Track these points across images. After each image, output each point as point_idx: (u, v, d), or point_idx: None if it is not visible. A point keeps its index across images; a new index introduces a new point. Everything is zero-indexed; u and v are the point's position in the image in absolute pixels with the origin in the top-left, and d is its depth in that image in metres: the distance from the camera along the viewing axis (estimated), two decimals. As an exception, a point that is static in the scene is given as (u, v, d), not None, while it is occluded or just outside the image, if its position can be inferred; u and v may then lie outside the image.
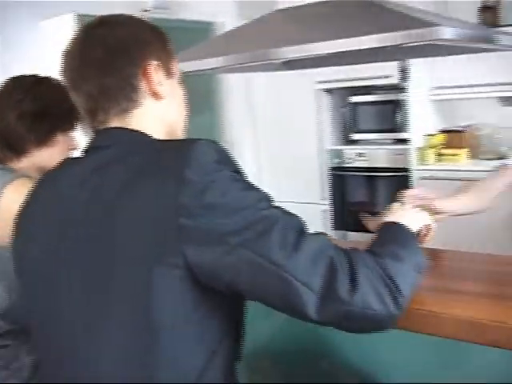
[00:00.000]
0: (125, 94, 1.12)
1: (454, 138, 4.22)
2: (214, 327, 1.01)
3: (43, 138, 1.71)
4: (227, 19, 4.57)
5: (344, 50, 1.86)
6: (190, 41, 4.39)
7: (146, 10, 4.23)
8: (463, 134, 4.23)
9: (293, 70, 2.81)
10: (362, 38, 1.74)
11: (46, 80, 1.75)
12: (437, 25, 1.63)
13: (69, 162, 1.19)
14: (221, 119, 4.75)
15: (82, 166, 1.10)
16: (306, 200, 4.52)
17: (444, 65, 3.98)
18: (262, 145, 4.82)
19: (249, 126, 4.84)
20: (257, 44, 2.18)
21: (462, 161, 4.05)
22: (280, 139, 4.62)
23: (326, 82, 4.30)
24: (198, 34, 4.57)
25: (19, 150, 1.70)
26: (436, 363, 1.48)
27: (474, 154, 4.19)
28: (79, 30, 1.16)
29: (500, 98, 4.18)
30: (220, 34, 2.42)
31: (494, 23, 3.90)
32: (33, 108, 1.68)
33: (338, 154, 4.49)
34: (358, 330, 1.02)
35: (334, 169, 4.50)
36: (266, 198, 1.02)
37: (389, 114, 4.24)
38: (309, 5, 2.17)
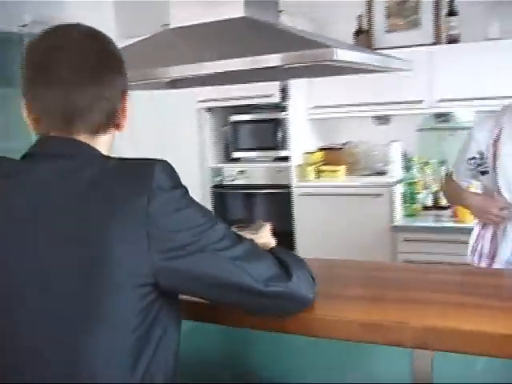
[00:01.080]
0: (107, 113, 1.19)
1: (332, 155, 4.34)
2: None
3: None
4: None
5: (229, 69, 1.89)
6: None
7: (24, 25, 4.08)
8: (341, 151, 4.37)
9: (178, 88, 2.80)
10: (250, 58, 1.77)
11: None
12: (330, 46, 1.69)
13: (13, 165, 1.18)
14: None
15: (39, 171, 1.13)
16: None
17: (321, 85, 4.10)
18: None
19: (128, 144, 4.74)
20: (143, 62, 2.16)
21: (340, 177, 4.17)
22: (161, 157, 4.54)
23: (206, 101, 4.30)
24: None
25: None
26: (339, 365, 1.58)
27: (352, 171, 4.33)
28: (55, 32, 1.21)
29: (374, 117, 4.35)
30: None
31: (368, 46, 4.07)
32: None
33: (219, 172, 4.51)
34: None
35: (215, 187, 4.51)
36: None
37: (269, 132, 4.30)
38: (200, 25, 2.17)
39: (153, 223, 1.06)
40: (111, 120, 1.22)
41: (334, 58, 1.66)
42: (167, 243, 1.08)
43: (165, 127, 4.51)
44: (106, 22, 4.49)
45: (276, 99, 4.08)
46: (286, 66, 1.92)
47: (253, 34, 2.03)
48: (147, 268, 1.07)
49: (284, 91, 4.07)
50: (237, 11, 2.07)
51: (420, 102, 3.91)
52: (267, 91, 4.03)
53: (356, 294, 1.53)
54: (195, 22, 2.18)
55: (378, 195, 3.88)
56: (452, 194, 2.78)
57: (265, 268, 1.20)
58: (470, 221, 3.67)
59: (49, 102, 1.15)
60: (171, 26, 2.32)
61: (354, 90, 4.00)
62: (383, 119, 4.36)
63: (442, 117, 4.17)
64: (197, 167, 4.48)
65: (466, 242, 3.56)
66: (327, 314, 1.36)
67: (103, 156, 1.19)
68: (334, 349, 1.54)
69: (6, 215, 1.13)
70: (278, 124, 4.26)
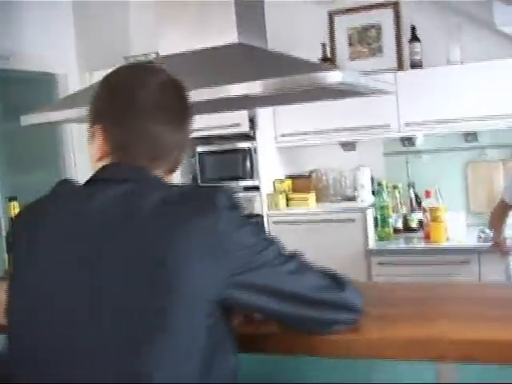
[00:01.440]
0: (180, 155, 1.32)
1: (301, 182, 4.35)
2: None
3: None
4: (69, 71, 4.44)
5: (233, 94, 1.90)
6: (32, 92, 4.23)
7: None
8: (310, 178, 4.39)
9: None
10: (235, 85, 1.77)
11: None
12: (323, 70, 1.70)
13: (78, 189, 1.25)
14: (64, 173, 4.53)
15: (105, 195, 1.18)
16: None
17: (287, 113, 4.12)
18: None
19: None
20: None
21: (311, 204, 4.17)
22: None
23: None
24: (40, 85, 4.38)
25: None
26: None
27: (321, 197, 4.35)
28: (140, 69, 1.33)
29: (341, 143, 4.38)
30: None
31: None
32: None
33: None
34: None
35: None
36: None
37: (237, 162, 4.28)
38: (190, 52, 2.14)
39: (218, 241, 1.12)
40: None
41: (341, 80, 1.68)
42: (232, 261, 1.13)
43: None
44: (66, 55, 4.46)
45: (245, 128, 4.08)
46: (286, 91, 1.93)
47: (251, 59, 2.03)
48: (214, 285, 1.12)
49: (252, 121, 4.07)
50: (230, 37, 2.06)
51: (388, 126, 3.97)
52: (235, 121, 4.03)
53: (385, 313, 1.50)
54: (185, 50, 2.15)
55: (351, 220, 3.89)
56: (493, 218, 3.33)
57: (318, 279, 1.27)
58: (442, 241, 3.72)
59: (133, 135, 1.25)
60: (160, 55, 2.28)
61: (319, 117, 4.03)
62: (350, 145, 4.40)
63: (407, 140, 4.23)
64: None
65: (439, 263, 3.62)
66: (371, 334, 1.36)
67: (167, 183, 1.26)
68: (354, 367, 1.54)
69: (70, 236, 1.17)
70: (245, 153, 4.25)
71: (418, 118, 3.90)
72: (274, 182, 4.27)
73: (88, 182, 1.25)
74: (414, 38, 4.04)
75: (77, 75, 4.46)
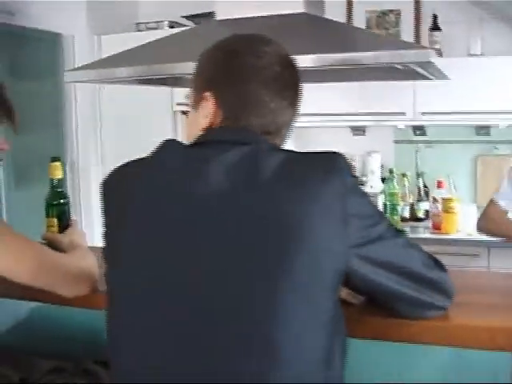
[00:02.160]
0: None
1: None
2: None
3: None
4: (76, 32, 4.29)
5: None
6: (36, 51, 4.07)
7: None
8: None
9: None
10: (344, 54, 1.69)
11: None
12: (425, 47, 1.65)
13: (190, 151, 1.20)
14: (64, 137, 4.39)
15: (225, 156, 1.12)
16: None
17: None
18: (109, 164, 4.50)
19: (95, 144, 4.51)
20: (173, 56, 2.05)
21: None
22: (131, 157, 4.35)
23: (183, 104, 4.16)
24: (45, 44, 4.24)
25: None
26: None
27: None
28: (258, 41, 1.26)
29: (351, 127, 4.34)
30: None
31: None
32: None
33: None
34: None
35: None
36: None
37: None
38: (252, 18, 2.05)
39: (346, 207, 1.08)
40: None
41: (429, 59, 1.63)
42: (358, 228, 1.10)
43: (136, 128, 4.34)
44: (75, 16, 4.30)
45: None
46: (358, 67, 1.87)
47: (320, 30, 1.95)
48: (340, 252, 1.08)
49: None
50: (295, 6, 1.98)
51: (403, 113, 3.93)
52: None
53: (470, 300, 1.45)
54: (246, 15, 2.06)
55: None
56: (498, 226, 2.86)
57: (425, 256, 1.23)
58: (454, 232, 3.72)
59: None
60: (217, 18, 2.18)
61: (330, 98, 3.97)
62: (360, 130, 4.36)
63: (419, 129, 4.21)
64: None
65: (449, 254, 3.62)
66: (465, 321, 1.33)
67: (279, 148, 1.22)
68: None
69: (186, 199, 1.11)
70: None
71: (434, 108, 3.87)
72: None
73: (196, 144, 1.21)
74: (436, 26, 4.00)
75: (84, 38, 4.31)
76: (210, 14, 3.98)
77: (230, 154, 1.12)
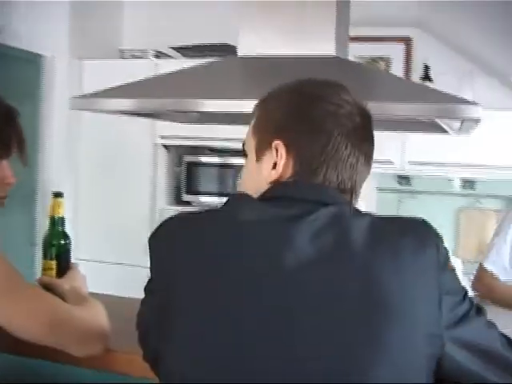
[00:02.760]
0: None
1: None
2: None
3: None
4: (58, 55, 4.13)
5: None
6: (16, 71, 3.89)
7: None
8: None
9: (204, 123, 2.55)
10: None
11: None
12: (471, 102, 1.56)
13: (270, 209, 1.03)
14: (39, 162, 4.17)
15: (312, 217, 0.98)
16: (132, 262, 4.11)
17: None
18: (83, 196, 4.29)
19: (70, 174, 4.31)
20: (189, 91, 1.93)
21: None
22: (104, 191, 4.18)
23: (169, 137, 4.03)
24: (26, 65, 4.07)
25: None
26: None
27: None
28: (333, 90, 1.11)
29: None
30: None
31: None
32: None
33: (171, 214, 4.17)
34: None
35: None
36: None
37: (230, 177, 4.10)
38: (278, 57, 1.93)
39: (441, 282, 0.97)
40: None
41: (475, 115, 1.53)
42: (450, 307, 0.98)
43: (117, 157, 4.17)
44: (58, 38, 4.14)
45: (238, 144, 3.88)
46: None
47: (354, 75, 1.84)
48: (438, 333, 0.96)
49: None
50: (327, 48, 1.87)
51: (391, 162, 3.88)
52: (240, 135, 3.82)
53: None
54: (272, 53, 1.94)
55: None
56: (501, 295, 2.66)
57: (502, 335, 1.08)
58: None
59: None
60: (238, 54, 2.05)
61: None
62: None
63: (404, 179, 4.16)
64: (147, 208, 4.16)
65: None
66: None
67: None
68: None
69: (272, 269, 0.96)
70: (239, 170, 4.05)
71: (422, 158, 3.83)
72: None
73: (267, 200, 1.05)
74: (427, 76, 3.99)
75: (65, 61, 4.14)
76: (200, 47, 3.93)
77: (313, 216, 0.98)
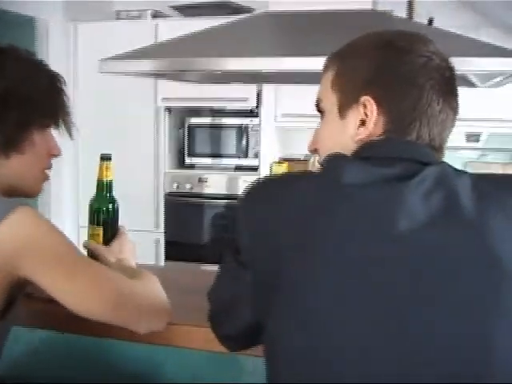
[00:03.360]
0: None
1: (297, 166, 4.14)
2: None
3: (13, 138, 1.19)
4: (51, 18, 3.99)
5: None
6: (11, 34, 3.75)
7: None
8: (306, 163, 4.18)
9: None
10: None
11: (11, 50, 1.23)
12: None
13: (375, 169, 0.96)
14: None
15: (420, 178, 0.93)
16: (137, 228, 4.05)
17: (289, 92, 3.90)
18: (85, 161, 4.16)
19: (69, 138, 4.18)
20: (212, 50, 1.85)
21: (307, 190, 3.98)
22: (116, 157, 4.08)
23: (171, 99, 3.93)
24: (18, 28, 3.95)
25: None
26: None
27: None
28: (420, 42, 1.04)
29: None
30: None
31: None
32: None
33: (176, 178, 4.12)
34: None
35: (170, 195, 4.13)
36: None
37: (232, 138, 4.03)
38: (305, 13, 1.86)
39: None
40: None
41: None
42: None
43: (115, 123, 4.08)
44: (53, 4, 4.00)
45: (252, 104, 3.83)
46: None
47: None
48: None
49: (258, 96, 3.82)
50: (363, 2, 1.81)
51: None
52: (242, 95, 3.76)
53: None
54: (305, 9, 1.87)
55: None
56: None
57: None
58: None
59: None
60: (269, 9, 1.97)
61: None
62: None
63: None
64: (151, 172, 4.10)
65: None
66: None
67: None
68: None
69: (390, 234, 0.90)
70: (241, 131, 4.00)
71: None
72: (271, 165, 4.04)
73: (365, 159, 0.99)
74: (431, 29, 3.93)
75: (60, 24, 4.02)
76: (201, 6, 3.82)
77: (420, 176, 0.93)
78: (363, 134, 1.02)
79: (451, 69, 1.04)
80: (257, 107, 3.88)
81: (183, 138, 4.18)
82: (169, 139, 4.13)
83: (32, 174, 1.27)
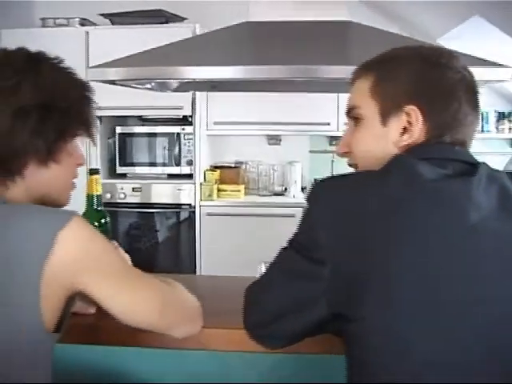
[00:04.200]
0: None
1: (229, 173, 4.19)
2: None
3: (54, 148, 1.16)
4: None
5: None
6: None
7: None
8: (238, 170, 4.24)
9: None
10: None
11: (45, 58, 1.20)
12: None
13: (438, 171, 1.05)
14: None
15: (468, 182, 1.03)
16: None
17: (220, 100, 3.95)
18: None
19: None
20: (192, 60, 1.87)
21: (241, 197, 4.03)
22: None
23: (102, 108, 3.85)
24: None
25: (13, 169, 1.13)
26: None
27: (248, 190, 4.22)
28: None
29: (267, 136, 4.30)
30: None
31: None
32: (35, 100, 1.13)
33: (108, 188, 4.05)
34: None
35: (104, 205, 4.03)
36: None
37: (166, 147, 4.02)
38: (287, 23, 1.90)
39: None
40: None
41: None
42: None
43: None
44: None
45: (187, 112, 3.83)
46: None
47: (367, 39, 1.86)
48: None
49: (193, 105, 3.83)
50: (340, 13, 1.88)
51: (327, 124, 3.97)
52: (177, 103, 3.76)
53: None
54: (284, 19, 1.92)
55: (291, 215, 3.81)
56: None
57: None
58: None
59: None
60: (250, 19, 2.00)
61: (249, 107, 3.93)
62: (275, 139, 4.33)
63: (335, 139, 4.27)
64: (83, 182, 3.99)
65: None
66: None
67: None
68: None
69: (466, 227, 0.99)
70: (174, 139, 3.99)
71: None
72: (204, 172, 4.06)
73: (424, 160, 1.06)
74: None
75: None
76: (133, 14, 3.78)
77: (477, 176, 1.03)
78: (408, 140, 1.10)
79: (475, 81, 1.16)
80: (190, 116, 3.88)
81: (114, 147, 4.12)
82: (100, 148, 4.06)
83: (64, 183, 1.25)
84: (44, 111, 1.12)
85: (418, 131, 1.09)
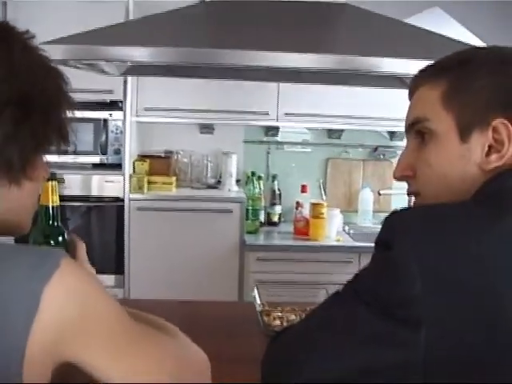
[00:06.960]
0: None
1: (158, 164, 3.88)
2: None
3: (30, 161, 0.89)
4: None
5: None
6: None
7: None
8: (169, 160, 3.94)
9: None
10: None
11: (14, 32, 0.92)
12: None
13: None
14: None
15: None
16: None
17: (151, 85, 3.65)
18: None
19: None
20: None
21: (173, 190, 3.75)
22: None
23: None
24: None
25: None
26: None
27: (182, 182, 3.94)
28: None
29: (200, 125, 4.04)
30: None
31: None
32: (7, 93, 0.85)
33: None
34: None
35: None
36: None
37: (91, 134, 3.66)
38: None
39: None
40: None
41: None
42: None
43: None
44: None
45: (118, 96, 3.50)
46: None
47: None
48: None
49: (124, 89, 3.50)
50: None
51: (266, 113, 3.75)
52: (107, 87, 3.42)
53: None
54: None
55: (229, 211, 3.58)
56: None
57: None
58: (322, 239, 3.64)
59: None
60: None
61: (180, 94, 3.66)
62: (208, 128, 4.07)
63: (272, 130, 4.07)
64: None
65: (321, 261, 3.52)
66: None
67: None
68: None
69: None
70: (101, 126, 3.65)
71: (297, 110, 3.76)
72: (134, 162, 3.74)
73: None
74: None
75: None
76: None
77: None
78: (497, 161, 0.91)
79: None
80: (121, 101, 3.55)
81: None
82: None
83: (31, 204, 0.97)
84: (19, 109, 0.85)
85: (500, 149, 0.90)
